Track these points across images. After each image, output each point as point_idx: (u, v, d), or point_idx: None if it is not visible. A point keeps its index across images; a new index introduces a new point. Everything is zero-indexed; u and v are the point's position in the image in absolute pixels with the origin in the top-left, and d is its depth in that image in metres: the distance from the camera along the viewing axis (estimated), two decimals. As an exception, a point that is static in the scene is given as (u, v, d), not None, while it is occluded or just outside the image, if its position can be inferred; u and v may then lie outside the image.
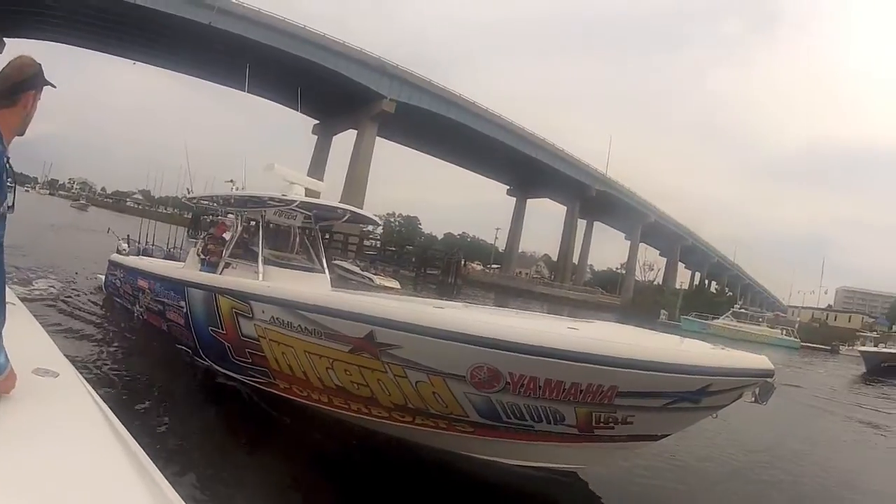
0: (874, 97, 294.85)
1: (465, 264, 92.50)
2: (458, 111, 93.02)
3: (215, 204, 11.13)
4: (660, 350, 5.56)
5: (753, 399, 5.72)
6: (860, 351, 46.38)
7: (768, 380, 5.69)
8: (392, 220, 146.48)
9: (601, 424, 5.72)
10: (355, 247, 56.75)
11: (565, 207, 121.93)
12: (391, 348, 5.90)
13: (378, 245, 68.46)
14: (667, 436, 6.30)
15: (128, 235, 15.64)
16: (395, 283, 41.57)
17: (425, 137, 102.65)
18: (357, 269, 42.84)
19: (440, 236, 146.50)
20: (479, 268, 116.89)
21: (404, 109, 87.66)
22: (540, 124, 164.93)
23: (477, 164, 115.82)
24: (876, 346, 47.22)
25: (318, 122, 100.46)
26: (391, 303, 7.15)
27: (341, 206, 10.47)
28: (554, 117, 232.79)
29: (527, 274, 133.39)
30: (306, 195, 9.89)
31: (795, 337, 67.52)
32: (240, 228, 10.13)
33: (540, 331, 5.63)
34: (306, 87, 72.68)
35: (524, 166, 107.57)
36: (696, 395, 5.48)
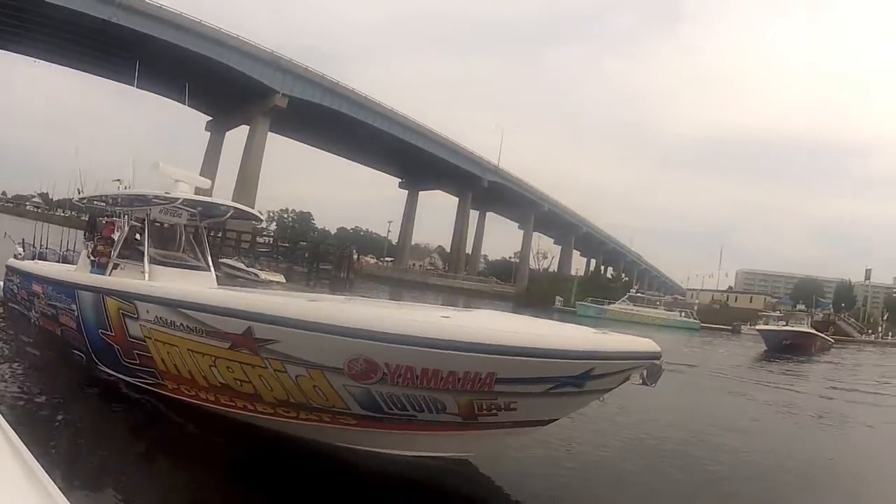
0: (777, 85, 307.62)
1: (358, 258, 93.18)
2: (351, 105, 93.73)
3: (104, 203, 10.93)
4: (538, 336, 5.61)
5: (641, 381, 5.82)
6: (758, 329, 47.40)
7: (655, 362, 5.78)
8: (285, 216, 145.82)
9: (484, 412, 5.78)
10: (248, 244, 57.10)
11: (457, 199, 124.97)
12: (269, 343, 5.95)
13: (271, 242, 67.35)
14: (554, 420, 6.41)
15: (23, 239, 15.37)
16: (280, 277, 43.22)
17: (319, 132, 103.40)
18: (243, 266, 43.64)
19: (334, 231, 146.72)
20: (373, 261, 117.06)
21: (297, 104, 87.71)
22: (434, 119, 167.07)
23: (370, 158, 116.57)
24: (777, 324, 47.63)
25: (211, 118, 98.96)
26: (268, 298, 7.46)
27: (224, 202, 10.57)
28: (449, 113, 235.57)
29: (421, 266, 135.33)
30: (195, 193, 9.91)
31: (695, 318, 68.67)
32: (127, 228, 9.99)
33: (412, 321, 5.74)
34: (198, 82, 72.42)
35: (416, 159, 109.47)
36: (578, 379, 5.53)
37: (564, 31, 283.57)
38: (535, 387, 5.56)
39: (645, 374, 5.75)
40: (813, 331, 45.57)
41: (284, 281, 40.00)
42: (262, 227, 72.58)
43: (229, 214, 10.70)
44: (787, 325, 46.78)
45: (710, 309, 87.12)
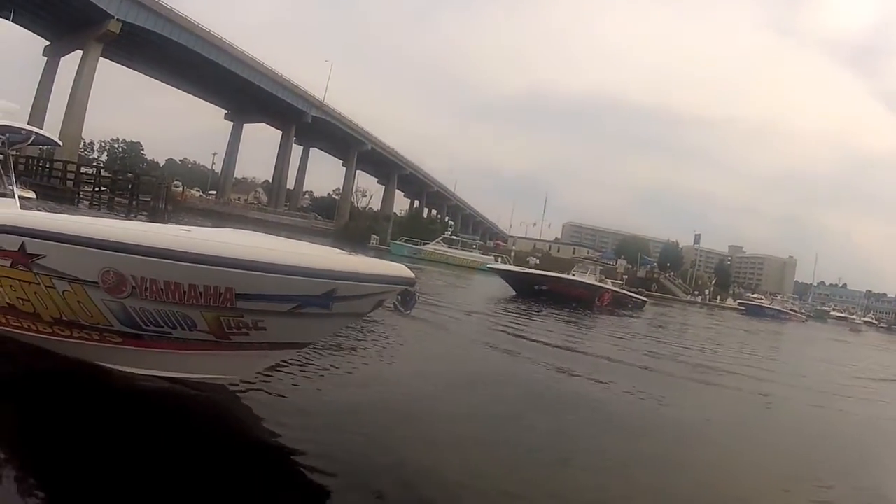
0: (613, 49, 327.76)
1: (183, 190, 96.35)
2: (181, 33, 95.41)
3: None
4: (276, 252, 5.73)
5: (394, 308, 6.22)
6: (491, 268, 45.20)
7: (409, 288, 6.02)
8: (116, 146, 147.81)
9: (234, 330, 5.98)
10: (74, 174, 57.66)
11: (281, 133, 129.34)
12: (39, 258, 6.08)
13: (94, 172, 66.72)
14: (309, 343, 7.00)
15: None
16: (31, 194, 44.51)
17: (150, 60, 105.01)
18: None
19: (163, 163, 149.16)
20: (199, 194, 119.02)
21: (131, 31, 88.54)
22: (261, 49, 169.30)
23: (198, 88, 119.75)
24: (573, 273, 42.41)
25: (49, 43, 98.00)
26: (39, 213, 7.59)
27: (26, 126, 10.72)
28: (276, 43, 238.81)
29: (245, 200, 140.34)
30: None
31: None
32: None
33: (151, 232, 5.98)
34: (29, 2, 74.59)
35: (242, 90, 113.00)
36: (322, 299, 5.69)
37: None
38: (277, 305, 5.74)
39: (398, 301, 6.10)
40: (593, 281, 41.18)
41: (35, 197, 41.18)
42: (92, 158, 72.63)
43: (31, 139, 11.02)
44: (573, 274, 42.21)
45: (530, 256, 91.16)
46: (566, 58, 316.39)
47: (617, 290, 43.08)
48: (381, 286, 5.88)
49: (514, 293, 34.68)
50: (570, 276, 40.17)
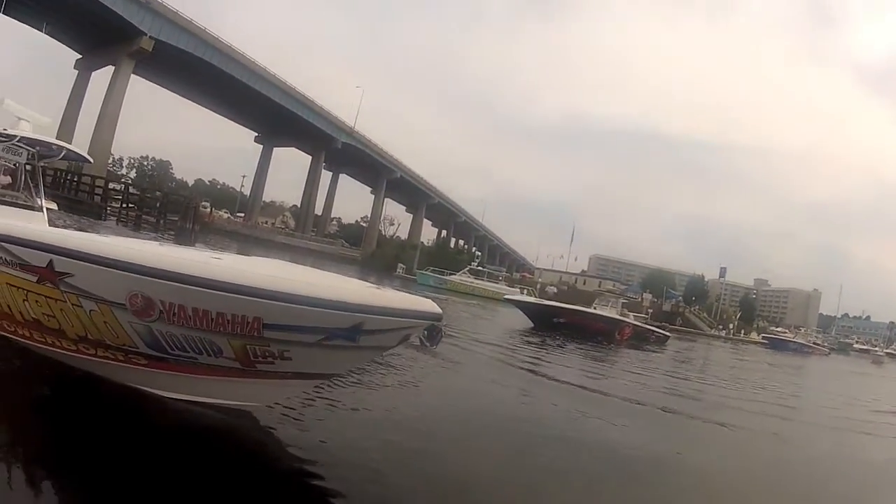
0: (643, 79, 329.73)
1: (211, 211, 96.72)
2: (213, 53, 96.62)
3: None
4: (305, 284, 5.75)
5: (420, 343, 6.32)
6: (508, 299, 43.54)
7: (435, 323, 6.09)
8: (145, 163, 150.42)
9: (260, 359, 6.04)
10: (101, 190, 57.86)
11: (311, 157, 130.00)
12: (67, 277, 6.21)
13: (122, 189, 66.26)
14: (336, 375, 7.32)
15: None
16: (53, 205, 44.92)
17: (182, 79, 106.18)
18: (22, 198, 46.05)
19: (192, 182, 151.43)
20: (227, 216, 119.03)
21: (163, 49, 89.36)
22: (291, 73, 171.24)
23: (229, 110, 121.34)
24: (594, 306, 40.05)
25: (80, 56, 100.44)
26: (68, 232, 7.75)
27: (57, 142, 10.73)
28: (308, 69, 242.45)
29: (273, 224, 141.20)
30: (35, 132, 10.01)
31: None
32: None
33: (183, 259, 6.04)
34: (65, 13, 76.23)
35: (274, 114, 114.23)
36: (349, 332, 5.71)
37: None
38: (305, 336, 5.76)
39: (425, 335, 6.18)
40: (613, 315, 38.89)
41: (56, 208, 41.95)
42: (121, 174, 73.18)
43: (62, 154, 10.94)
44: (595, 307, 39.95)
45: (556, 289, 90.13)
46: (598, 87, 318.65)
47: (638, 324, 41.05)
48: (408, 321, 5.88)
49: (532, 325, 33.38)
50: (589, 310, 38.23)
